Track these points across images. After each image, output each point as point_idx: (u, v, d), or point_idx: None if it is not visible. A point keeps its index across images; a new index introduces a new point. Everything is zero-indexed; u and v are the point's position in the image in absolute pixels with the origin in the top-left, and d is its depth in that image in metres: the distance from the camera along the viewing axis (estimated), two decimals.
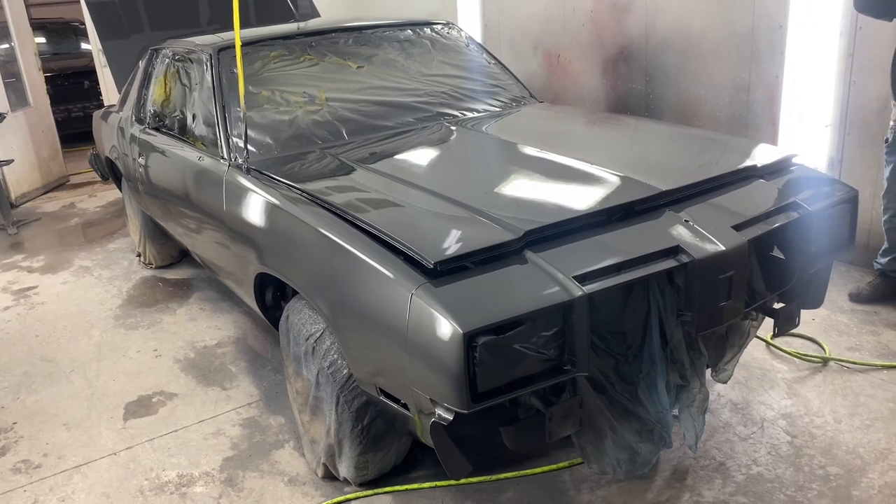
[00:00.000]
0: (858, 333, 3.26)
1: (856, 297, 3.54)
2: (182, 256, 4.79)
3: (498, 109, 3.44)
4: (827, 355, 3.06)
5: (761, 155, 2.58)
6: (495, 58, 3.86)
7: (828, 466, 2.43)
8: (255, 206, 2.66)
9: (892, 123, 3.29)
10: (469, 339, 1.69)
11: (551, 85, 5.47)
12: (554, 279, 1.85)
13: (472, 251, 1.90)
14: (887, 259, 3.48)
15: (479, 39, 5.74)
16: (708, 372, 2.36)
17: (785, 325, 2.49)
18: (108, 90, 7.73)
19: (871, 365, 2.99)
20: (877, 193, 3.72)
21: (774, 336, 2.80)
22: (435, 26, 3.82)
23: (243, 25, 2.93)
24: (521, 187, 2.42)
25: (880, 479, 2.36)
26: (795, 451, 2.52)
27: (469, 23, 6.02)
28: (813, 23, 3.81)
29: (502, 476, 2.48)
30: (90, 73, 8.89)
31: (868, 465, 2.42)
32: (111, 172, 5.12)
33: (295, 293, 2.56)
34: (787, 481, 2.38)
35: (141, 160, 3.95)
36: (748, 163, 2.50)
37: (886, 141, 3.35)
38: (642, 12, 4.64)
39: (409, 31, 3.71)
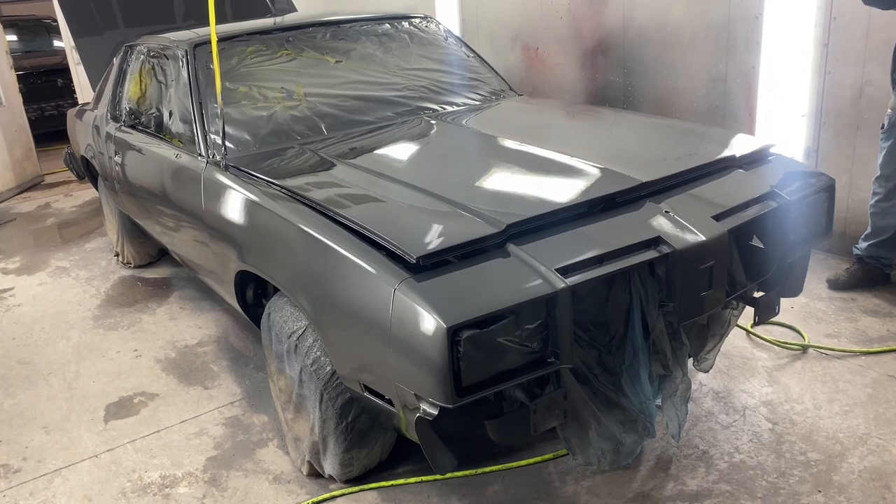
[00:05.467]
0: (836, 320, 3.30)
1: (833, 284, 3.58)
2: (161, 255, 4.74)
3: (477, 103, 3.43)
4: (806, 343, 3.10)
5: (739, 145, 2.60)
6: (474, 51, 3.86)
7: (808, 452, 2.46)
8: (234, 204, 2.63)
9: (889, 111, 3.31)
10: (453, 334, 1.69)
11: (530, 78, 5.47)
12: (536, 272, 1.85)
13: (455, 245, 1.90)
14: (867, 244, 3.51)
15: (457, 33, 5.73)
16: (690, 361, 2.38)
17: (765, 313, 2.52)
18: (83, 88, 7.62)
19: (849, 351, 3.03)
20: (852, 182, 3.77)
21: (755, 324, 2.83)
22: (413, 20, 3.80)
23: (219, 21, 2.90)
24: (502, 180, 2.42)
25: (860, 464, 2.39)
26: (777, 437, 2.55)
27: (447, 16, 6.01)
28: (788, 13, 3.84)
29: (488, 469, 2.48)
30: (63, 70, 8.77)
31: (848, 451, 2.46)
32: (87, 171, 5.05)
33: (276, 290, 2.54)
34: (769, 468, 2.40)
35: (117, 158, 3.90)
36: (727, 153, 2.51)
37: (882, 127, 3.36)
38: (620, 4, 4.65)
39: (387, 25, 3.69)
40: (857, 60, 3.60)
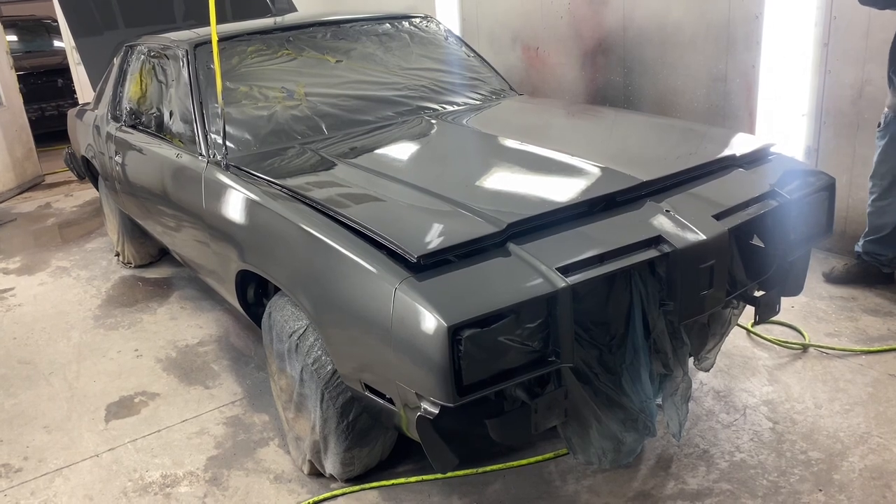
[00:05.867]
0: (837, 320, 3.30)
1: (829, 277, 3.62)
2: (161, 255, 4.74)
3: (478, 102, 3.43)
4: (807, 342, 3.10)
5: (740, 144, 2.60)
6: (474, 51, 3.86)
7: (809, 451, 2.46)
8: (235, 203, 2.64)
9: (886, 109, 3.32)
10: (454, 333, 1.69)
11: (530, 77, 5.48)
12: (537, 271, 1.85)
13: (455, 244, 1.90)
14: (864, 241, 3.54)
15: (457, 32, 5.73)
16: (690, 360, 2.38)
17: (765, 312, 2.52)
18: (83, 88, 7.63)
19: (849, 350, 3.03)
20: (853, 181, 3.78)
21: (755, 324, 2.82)
22: (413, 20, 3.80)
23: (219, 20, 2.90)
24: (502, 180, 2.42)
25: (860, 463, 2.39)
26: (777, 436, 2.55)
27: (447, 16, 6.01)
28: (788, 13, 3.84)
29: (488, 468, 2.48)
30: (64, 70, 8.78)
31: (848, 450, 2.46)
32: (87, 171, 5.05)
33: (277, 290, 2.54)
34: (770, 467, 2.41)
35: (118, 158, 3.90)
36: (727, 152, 2.52)
37: (879, 125, 3.38)
38: (620, 4, 4.65)
39: (388, 24, 3.69)
40: (858, 60, 3.60)
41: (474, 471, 2.47)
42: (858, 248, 3.57)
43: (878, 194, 3.42)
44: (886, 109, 3.32)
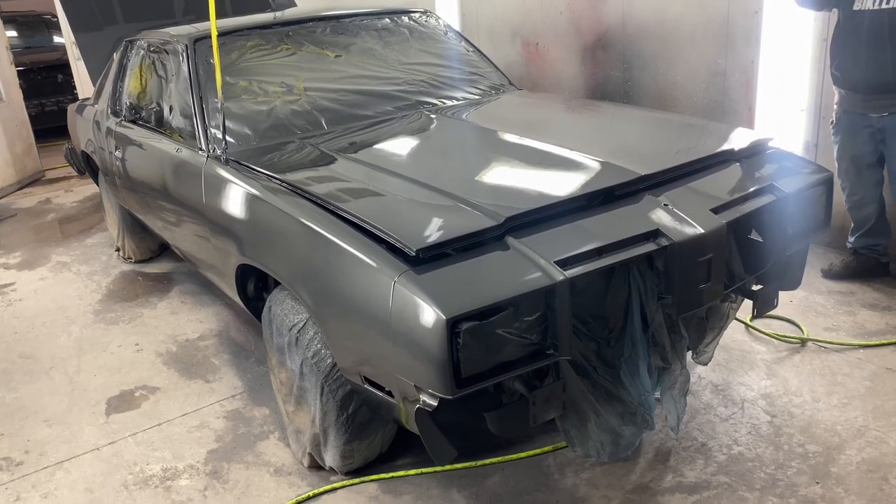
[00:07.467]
0: (835, 314, 3.31)
1: (828, 274, 3.63)
2: (161, 250, 4.75)
3: (477, 97, 3.44)
4: (805, 336, 3.11)
5: (738, 139, 2.61)
6: (474, 46, 3.86)
7: (807, 444, 2.47)
8: (234, 198, 2.64)
9: (835, 107, 3.41)
10: (452, 325, 1.69)
11: (530, 73, 5.48)
12: (535, 264, 1.86)
13: (454, 238, 1.91)
14: (855, 237, 3.58)
15: (457, 28, 5.73)
16: (689, 354, 2.39)
17: (763, 306, 2.52)
18: (83, 83, 7.63)
19: (847, 345, 3.04)
20: None
21: (753, 318, 2.83)
22: (413, 14, 3.80)
23: (219, 16, 2.91)
24: (501, 174, 2.42)
25: (857, 456, 2.40)
26: (775, 430, 2.56)
27: (447, 11, 6.01)
28: (787, 8, 3.84)
29: (487, 461, 2.49)
30: (64, 66, 8.77)
31: (846, 443, 2.47)
32: (87, 166, 5.06)
33: (277, 284, 2.55)
34: (768, 460, 2.42)
35: (118, 153, 3.91)
36: (725, 147, 2.52)
37: (832, 123, 3.46)
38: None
39: (387, 19, 3.69)
40: None
41: (473, 463, 2.48)
42: (851, 244, 3.59)
43: (850, 189, 3.50)
44: (836, 107, 3.40)
